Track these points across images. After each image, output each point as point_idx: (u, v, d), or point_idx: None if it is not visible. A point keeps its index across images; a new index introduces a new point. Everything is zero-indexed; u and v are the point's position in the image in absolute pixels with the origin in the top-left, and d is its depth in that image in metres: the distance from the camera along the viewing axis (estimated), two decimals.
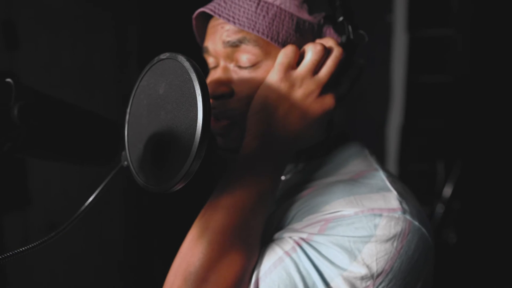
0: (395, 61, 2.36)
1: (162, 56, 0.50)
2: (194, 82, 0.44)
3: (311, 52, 0.55)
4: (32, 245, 0.48)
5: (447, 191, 2.13)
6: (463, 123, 2.22)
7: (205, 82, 0.45)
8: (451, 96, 2.25)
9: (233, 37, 0.56)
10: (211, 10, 0.56)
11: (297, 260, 0.49)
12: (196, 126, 0.43)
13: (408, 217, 0.51)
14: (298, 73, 0.55)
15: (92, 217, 2.03)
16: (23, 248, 0.46)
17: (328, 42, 0.56)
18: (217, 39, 0.58)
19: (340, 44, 0.58)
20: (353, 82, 0.60)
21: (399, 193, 0.54)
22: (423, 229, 0.52)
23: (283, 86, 0.54)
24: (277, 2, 0.55)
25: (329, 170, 0.62)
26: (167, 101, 0.49)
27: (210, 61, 0.61)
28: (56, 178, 1.78)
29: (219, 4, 0.56)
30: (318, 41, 0.57)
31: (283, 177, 0.67)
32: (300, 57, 0.56)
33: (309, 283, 0.48)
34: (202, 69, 0.47)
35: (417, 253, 0.50)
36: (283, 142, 0.54)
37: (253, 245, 0.51)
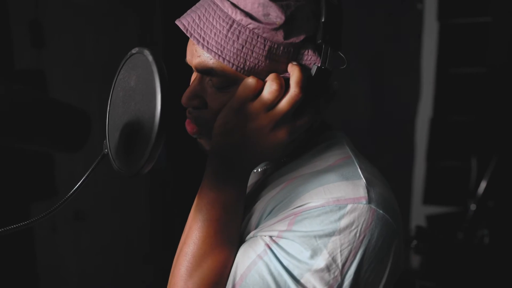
0: (426, 51, 2.26)
1: (133, 50, 0.54)
2: (155, 75, 0.48)
3: (266, 91, 0.55)
4: (17, 225, 0.51)
5: (480, 189, 2.03)
6: (499, 117, 2.09)
7: (165, 75, 0.48)
8: (485, 88, 2.12)
9: (203, 66, 0.58)
10: (185, 26, 0.56)
11: (268, 262, 0.53)
12: (155, 116, 0.47)
13: (373, 206, 0.54)
14: (252, 107, 0.56)
15: (118, 211, 2.11)
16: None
17: (293, 74, 0.55)
18: (192, 61, 0.59)
19: (308, 75, 0.56)
20: (323, 107, 0.60)
21: (367, 181, 0.57)
22: (387, 216, 0.55)
23: (238, 118, 0.56)
24: (251, 26, 0.54)
25: (306, 160, 0.63)
26: (136, 93, 0.53)
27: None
28: (81, 170, 1.85)
29: (193, 20, 0.56)
30: (290, 67, 0.56)
31: (260, 169, 0.70)
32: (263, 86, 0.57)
33: (281, 283, 0.52)
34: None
35: (381, 240, 0.54)
36: (242, 162, 0.58)
37: (231, 248, 0.57)
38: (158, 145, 0.47)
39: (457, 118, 2.24)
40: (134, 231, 2.26)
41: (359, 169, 0.58)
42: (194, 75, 0.63)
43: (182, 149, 1.96)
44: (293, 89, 0.55)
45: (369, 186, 0.56)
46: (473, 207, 2.07)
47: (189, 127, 0.63)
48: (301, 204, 0.55)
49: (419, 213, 2.39)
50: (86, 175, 0.60)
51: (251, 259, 0.54)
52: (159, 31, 2.24)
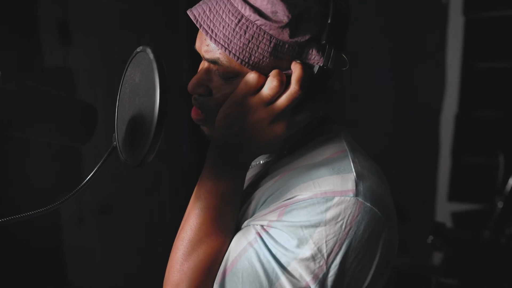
0: (451, 46, 2.20)
1: (138, 49, 0.58)
2: (154, 72, 0.52)
3: (267, 86, 0.58)
4: (28, 213, 0.55)
5: (508, 186, 1.97)
6: None
7: (164, 72, 0.52)
8: None
9: (210, 56, 0.60)
10: (195, 17, 0.59)
11: (258, 249, 0.55)
12: (154, 110, 0.51)
13: (360, 199, 0.55)
14: (253, 101, 0.59)
15: (144, 205, 2.18)
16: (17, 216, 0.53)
17: (295, 72, 0.57)
18: (201, 48, 0.62)
19: (309, 73, 0.58)
20: (323, 105, 0.63)
21: (358, 174, 0.58)
22: (375, 209, 0.56)
23: (238, 110, 0.59)
24: (258, 22, 0.56)
25: (303, 153, 0.64)
26: (140, 88, 0.57)
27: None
28: (107, 164, 1.92)
29: (204, 12, 0.59)
30: (293, 64, 0.58)
31: (262, 161, 0.72)
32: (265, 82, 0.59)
33: (269, 270, 0.54)
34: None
35: (367, 233, 0.55)
36: (240, 154, 0.61)
37: (226, 235, 0.60)
38: (157, 138, 0.51)
39: (484, 114, 2.18)
40: (159, 225, 2.32)
41: (351, 163, 0.59)
42: (202, 64, 0.65)
43: (207, 147, 2.00)
44: (293, 87, 0.57)
45: (358, 179, 0.57)
46: (500, 204, 2.01)
47: (194, 113, 0.66)
48: (291, 196, 0.57)
49: (444, 210, 2.34)
50: (98, 166, 0.63)
51: (243, 246, 0.57)
52: (184, 27, 2.28)
